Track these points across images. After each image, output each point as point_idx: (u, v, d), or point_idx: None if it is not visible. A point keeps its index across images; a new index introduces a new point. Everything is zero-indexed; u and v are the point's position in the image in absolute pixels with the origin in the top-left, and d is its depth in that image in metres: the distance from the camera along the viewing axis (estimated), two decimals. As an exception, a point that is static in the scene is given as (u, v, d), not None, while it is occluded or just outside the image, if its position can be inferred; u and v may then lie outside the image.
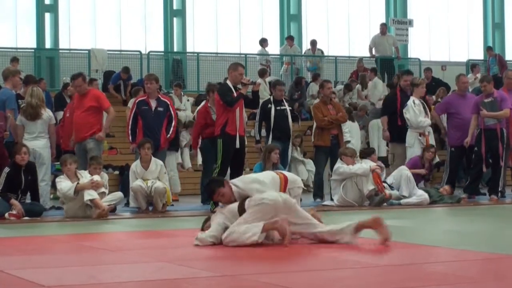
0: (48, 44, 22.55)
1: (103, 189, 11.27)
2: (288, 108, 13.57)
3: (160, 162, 12.18)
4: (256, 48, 23.27)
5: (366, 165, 12.67)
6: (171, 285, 5.60)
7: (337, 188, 12.75)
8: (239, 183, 7.83)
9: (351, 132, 16.80)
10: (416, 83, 14.36)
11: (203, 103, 13.95)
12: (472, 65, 24.10)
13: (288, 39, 23.72)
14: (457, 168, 14.57)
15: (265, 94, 18.62)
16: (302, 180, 16.80)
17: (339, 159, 12.82)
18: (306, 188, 16.63)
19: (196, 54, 23.10)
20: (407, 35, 25.01)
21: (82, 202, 10.99)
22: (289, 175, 8.29)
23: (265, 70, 21.05)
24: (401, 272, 6.00)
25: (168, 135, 12.71)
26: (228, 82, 12.33)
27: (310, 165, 16.70)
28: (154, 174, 12.05)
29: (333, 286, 5.50)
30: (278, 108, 13.44)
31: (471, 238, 8.44)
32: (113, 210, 11.77)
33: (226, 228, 7.46)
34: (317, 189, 13.79)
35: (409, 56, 25.83)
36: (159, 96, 12.90)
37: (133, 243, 8.48)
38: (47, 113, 12.42)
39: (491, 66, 24.13)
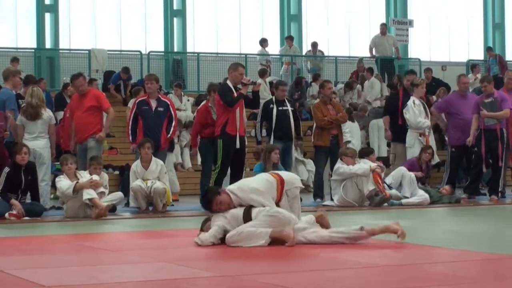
0: (48, 44, 22.56)
1: (102, 189, 11.26)
2: (290, 109, 13.57)
3: (161, 162, 12.18)
4: (256, 48, 23.27)
5: (366, 165, 12.66)
6: (171, 285, 5.60)
7: (337, 188, 12.75)
8: (238, 192, 7.68)
9: (352, 132, 16.80)
10: (416, 83, 14.37)
11: (203, 102, 13.95)
12: (472, 66, 24.10)
13: (288, 39, 23.72)
14: (458, 168, 14.57)
15: (265, 94, 18.62)
16: (302, 180, 16.92)
17: (339, 159, 12.81)
18: (306, 188, 16.73)
19: (196, 54, 23.10)
20: (407, 35, 24.99)
21: (82, 202, 10.99)
22: (286, 176, 8.06)
23: (265, 70, 21.05)
24: (401, 272, 6.00)
25: (169, 135, 12.71)
26: (228, 82, 12.33)
27: (310, 165, 16.69)
28: (155, 174, 12.05)
29: (333, 286, 5.50)
30: (280, 108, 13.43)
31: (471, 239, 8.43)
32: (113, 210, 11.77)
33: (225, 231, 7.46)
34: (317, 189, 13.79)
35: (409, 56, 25.84)
36: (159, 96, 12.90)
37: (133, 243, 8.48)
38: (47, 113, 12.42)
39: (492, 67, 24.13)
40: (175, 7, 23.75)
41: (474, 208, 12.93)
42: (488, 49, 25.50)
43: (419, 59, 24.91)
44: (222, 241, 7.47)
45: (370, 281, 5.62)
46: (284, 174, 8.17)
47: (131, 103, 14.73)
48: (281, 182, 7.79)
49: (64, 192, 11.07)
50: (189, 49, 23.86)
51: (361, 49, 24.69)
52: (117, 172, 16.21)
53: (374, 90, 21.11)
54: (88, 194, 10.96)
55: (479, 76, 21.21)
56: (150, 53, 22.49)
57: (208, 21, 24.39)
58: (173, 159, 15.88)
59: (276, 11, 25.11)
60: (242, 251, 7.10)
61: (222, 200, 7.61)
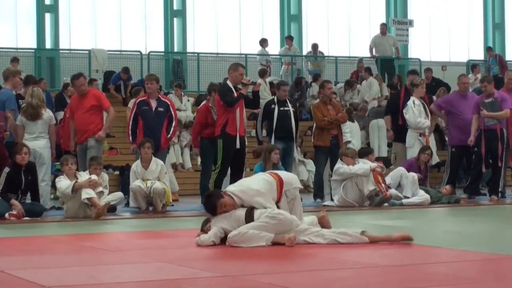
0: (48, 45, 22.56)
1: (100, 188, 11.26)
2: (291, 109, 13.57)
3: (161, 162, 12.18)
4: (256, 48, 23.28)
5: (366, 165, 12.66)
6: (171, 285, 5.60)
7: (337, 188, 12.75)
8: (240, 194, 7.64)
9: (352, 133, 16.80)
10: (415, 83, 14.37)
11: (203, 102, 13.95)
12: (472, 66, 24.10)
13: (287, 39, 23.73)
14: (458, 168, 14.58)
15: (265, 94, 18.62)
16: (302, 180, 16.97)
17: (339, 159, 12.82)
18: (306, 189, 16.74)
19: (196, 54, 23.10)
20: (407, 35, 25.01)
21: (81, 202, 10.99)
22: (284, 176, 8.00)
23: (265, 71, 21.05)
24: (401, 273, 6.00)
25: (169, 135, 12.72)
26: (228, 82, 12.33)
27: (310, 165, 16.69)
28: (155, 174, 12.05)
29: (333, 286, 5.49)
30: (282, 108, 13.43)
31: (471, 239, 8.43)
32: (113, 210, 11.77)
33: (226, 232, 7.45)
34: (317, 189, 13.79)
35: (409, 57, 25.84)
36: (160, 96, 12.91)
37: (133, 244, 8.48)
38: (47, 113, 12.42)
39: (492, 67, 24.13)
40: (175, 7, 23.75)
41: (474, 208, 12.93)
42: (488, 49, 25.51)
43: (419, 59, 24.92)
44: (223, 241, 7.48)
45: (370, 281, 5.62)
46: (282, 174, 8.10)
47: (131, 103, 14.74)
48: (280, 182, 7.75)
49: (63, 192, 11.07)
50: (189, 49, 23.87)
51: (361, 49, 24.70)
52: (117, 172, 16.21)
53: (372, 90, 21.10)
54: (87, 193, 10.96)
55: (479, 76, 21.21)
56: (150, 53, 22.49)
57: (208, 21, 24.40)
58: (171, 159, 15.89)
59: (276, 11, 25.12)
60: (242, 251, 7.10)
61: (226, 203, 7.58)
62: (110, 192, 11.76)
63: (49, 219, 11.28)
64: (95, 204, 10.93)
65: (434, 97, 19.57)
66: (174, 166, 16.76)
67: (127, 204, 12.35)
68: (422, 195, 13.02)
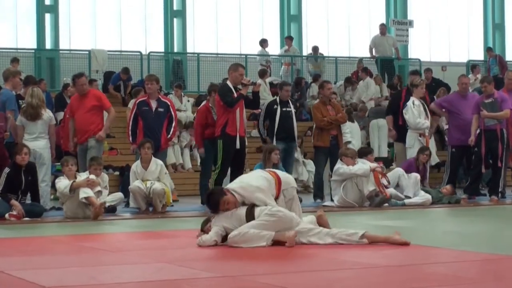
0: (48, 45, 22.56)
1: (99, 188, 11.26)
2: (293, 110, 13.59)
3: (160, 162, 12.18)
4: (256, 49, 23.28)
5: (366, 165, 12.66)
6: (171, 285, 5.60)
7: (337, 188, 12.75)
8: (241, 191, 7.67)
9: (352, 133, 16.80)
10: (415, 84, 14.37)
11: (204, 102, 13.95)
12: (472, 66, 24.10)
13: (287, 39, 23.73)
14: (458, 169, 14.58)
15: (265, 95, 18.61)
16: (302, 180, 16.97)
17: (339, 160, 12.82)
18: (306, 189, 16.75)
19: (196, 55, 23.11)
20: (407, 35, 25.01)
21: (80, 201, 10.99)
22: (282, 175, 8.07)
23: (265, 71, 21.05)
24: (401, 273, 6.00)
25: (169, 136, 12.72)
26: (228, 82, 12.33)
27: (310, 165, 16.70)
28: (154, 175, 12.05)
29: (333, 287, 5.50)
30: (284, 109, 13.44)
31: (471, 239, 8.44)
32: (113, 210, 11.78)
33: (227, 231, 7.46)
34: (317, 189, 13.79)
35: (409, 57, 25.85)
36: (160, 96, 12.91)
37: (133, 244, 8.49)
38: (47, 113, 12.42)
39: (492, 67, 24.13)
40: (175, 8, 23.75)
41: (474, 209, 12.93)
42: (488, 50, 25.51)
43: (419, 60, 24.92)
44: (223, 240, 7.48)
45: (370, 282, 5.62)
46: (280, 173, 8.15)
47: (131, 103, 14.73)
48: (278, 180, 7.83)
49: (61, 192, 11.08)
50: (189, 49, 23.87)
51: (361, 50, 24.70)
52: (117, 173, 16.21)
53: (369, 91, 21.08)
54: (85, 192, 10.96)
55: (479, 76, 21.21)
56: (150, 54, 22.49)
57: (208, 21, 24.40)
58: (171, 159, 15.89)
59: (276, 12, 25.12)
60: (242, 252, 7.10)
61: (229, 200, 7.59)
62: (110, 193, 11.76)
63: (49, 219, 11.28)
64: (93, 203, 10.93)
65: (435, 98, 19.62)
66: (174, 167, 16.77)
67: (127, 205, 12.35)
68: (423, 195, 13.03)
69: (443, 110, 14.54)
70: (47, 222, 11.01)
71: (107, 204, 11.53)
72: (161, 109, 12.60)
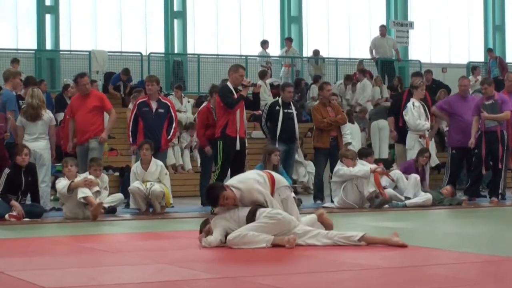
0: (48, 46, 22.55)
1: (97, 188, 11.26)
2: (295, 112, 13.58)
3: (160, 163, 12.18)
4: (256, 50, 23.28)
5: (366, 167, 12.66)
6: (171, 286, 5.60)
7: (338, 190, 12.75)
8: (239, 185, 7.71)
9: (352, 134, 16.78)
10: (415, 85, 14.37)
11: (204, 103, 13.94)
12: (472, 67, 24.09)
13: (287, 41, 23.73)
14: (458, 170, 14.59)
15: (265, 96, 18.61)
16: (302, 182, 16.97)
17: (339, 161, 12.82)
18: (306, 190, 16.74)
19: (196, 56, 23.11)
20: (407, 37, 25.00)
21: (78, 201, 10.99)
22: (275, 174, 8.11)
23: (265, 72, 21.04)
24: (402, 274, 6.00)
25: (169, 137, 12.72)
26: (229, 83, 12.32)
27: (311, 167, 16.69)
28: (154, 175, 12.05)
29: (333, 288, 5.50)
30: (286, 110, 13.44)
31: (471, 240, 8.44)
32: (113, 211, 11.77)
33: (228, 232, 7.46)
34: (317, 191, 13.79)
35: (409, 58, 25.85)
36: (160, 97, 12.91)
37: (133, 245, 8.49)
38: (47, 114, 12.42)
39: (492, 68, 24.14)
40: (175, 9, 23.75)
41: (474, 210, 12.93)
42: (488, 51, 25.51)
43: (419, 61, 24.91)
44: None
45: (370, 283, 5.62)
46: (273, 172, 8.20)
47: (131, 104, 14.73)
48: (271, 178, 7.86)
49: (60, 192, 11.09)
50: (190, 50, 23.87)
51: (362, 51, 24.70)
52: (117, 174, 16.22)
53: (366, 92, 21.04)
54: (83, 192, 10.96)
55: (479, 78, 21.20)
56: (151, 55, 22.49)
57: (209, 22, 24.40)
58: (171, 160, 15.90)
59: (276, 13, 25.11)
60: (242, 253, 7.10)
61: (228, 195, 7.60)
62: (110, 194, 11.75)
63: (49, 220, 11.28)
64: (91, 203, 10.92)
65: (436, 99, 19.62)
66: (174, 168, 16.77)
67: (127, 206, 12.35)
68: (424, 195, 13.03)
69: (444, 113, 14.55)
70: (47, 223, 11.01)
71: (107, 205, 11.55)
72: (161, 110, 12.60)
